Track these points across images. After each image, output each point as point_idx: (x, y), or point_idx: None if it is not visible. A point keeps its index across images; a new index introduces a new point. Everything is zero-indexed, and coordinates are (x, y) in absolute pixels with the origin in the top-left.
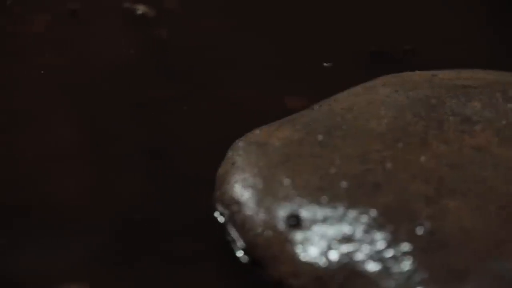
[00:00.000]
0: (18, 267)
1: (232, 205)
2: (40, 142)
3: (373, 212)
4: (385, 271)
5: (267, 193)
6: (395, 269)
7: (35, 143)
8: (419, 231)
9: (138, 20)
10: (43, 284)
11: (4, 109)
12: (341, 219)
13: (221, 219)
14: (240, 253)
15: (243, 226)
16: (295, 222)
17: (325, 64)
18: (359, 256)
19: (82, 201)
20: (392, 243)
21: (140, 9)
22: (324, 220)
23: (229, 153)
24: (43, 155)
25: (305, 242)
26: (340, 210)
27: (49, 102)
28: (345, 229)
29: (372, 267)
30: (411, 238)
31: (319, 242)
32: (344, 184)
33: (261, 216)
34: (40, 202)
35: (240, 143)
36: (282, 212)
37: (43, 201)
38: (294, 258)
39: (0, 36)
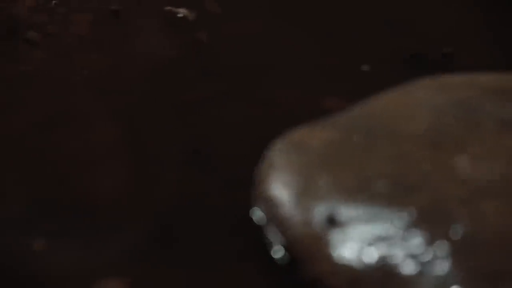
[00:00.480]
0: (59, 264)
1: (270, 205)
2: (81, 141)
3: (410, 213)
4: (421, 272)
5: (305, 193)
6: (431, 270)
7: (76, 142)
8: (455, 232)
9: (178, 22)
10: (84, 279)
11: (47, 109)
12: (378, 220)
13: (259, 218)
14: (277, 253)
15: (281, 226)
16: (333, 222)
17: (363, 66)
18: (395, 257)
19: (121, 200)
20: (428, 244)
21: (181, 11)
22: (361, 221)
23: (268, 153)
24: (84, 154)
25: (342, 242)
26: (377, 210)
27: (89, 102)
28: (382, 229)
29: (408, 268)
30: (447, 239)
31: (356, 242)
32: (381, 184)
33: (299, 216)
34: (80, 201)
35: (278, 143)
36: (320, 212)
37: (83, 199)
38: (331, 258)
39: (44, 36)
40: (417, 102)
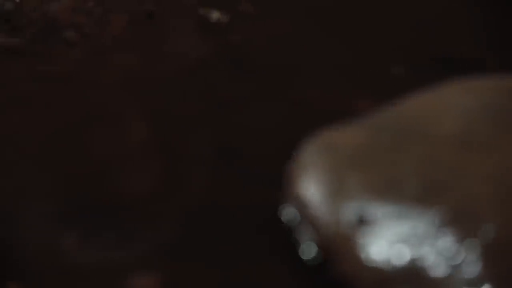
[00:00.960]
0: (91, 259)
1: (301, 204)
2: (114, 140)
3: (440, 214)
4: (451, 273)
5: (336, 193)
6: (461, 272)
7: (109, 141)
8: (486, 233)
9: (211, 23)
10: (116, 275)
11: (82, 108)
12: (407, 220)
13: (288, 217)
14: (306, 252)
15: (311, 225)
16: (363, 222)
17: (393, 68)
18: (425, 258)
19: (153, 197)
20: (459, 245)
21: (215, 12)
22: (391, 221)
23: (299, 153)
24: (116, 153)
25: (372, 242)
26: (407, 211)
27: (123, 101)
28: (412, 230)
29: (438, 269)
30: (478, 240)
31: (386, 242)
32: (411, 185)
33: (329, 215)
34: (112, 198)
35: (309, 143)
36: (350, 212)
37: (115, 197)
38: (360, 258)
39: (80, 36)
40: (447, 104)
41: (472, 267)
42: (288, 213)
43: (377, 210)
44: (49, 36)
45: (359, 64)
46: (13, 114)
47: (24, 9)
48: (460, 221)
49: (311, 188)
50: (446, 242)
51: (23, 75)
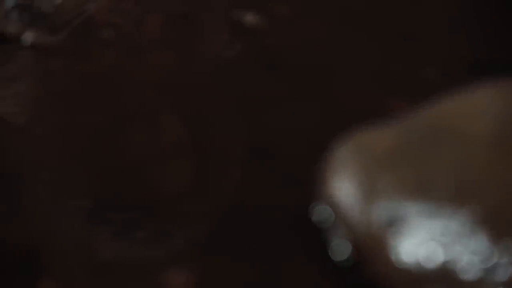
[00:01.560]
0: (126, 255)
1: (332, 204)
2: (149, 138)
3: (473, 216)
4: (485, 276)
5: (368, 194)
6: (495, 274)
7: (144, 139)
8: None
9: (246, 24)
10: (150, 270)
11: (118, 106)
12: (440, 221)
13: (319, 218)
14: (337, 252)
15: (342, 226)
16: (395, 223)
17: (427, 70)
18: (458, 260)
19: (186, 196)
20: (493, 247)
21: (249, 13)
22: (424, 223)
23: (330, 153)
24: (151, 150)
25: (404, 243)
26: (440, 212)
27: (158, 100)
28: (445, 231)
29: (471, 271)
30: None
31: (418, 244)
32: (444, 186)
33: (361, 216)
34: (146, 195)
35: (341, 143)
36: (382, 212)
37: (149, 194)
38: (392, 259)
39: (117, 36)
40: (479, 106)
41: (506, 269)
42: (319, 213)
43: (410, 211)
44: (86, 36)
45: (393, 67)
46: (50, 112)
47: (62, 8)
48: (494, 221)
49: (343, 188)
50: (480, 242)
51: (61, 74)
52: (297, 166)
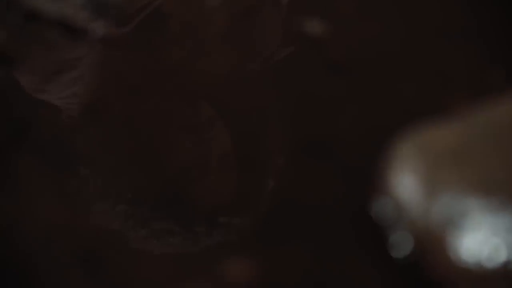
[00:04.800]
0: (186, 247)
1: (392, 200)
2: (194, 148)
3: None
4: None
5: (429, 190)
6: None
7: (189, 148)
8: None
9: (306, 20)
10: (212, 260)
11: (178, 99)
12: (504, 219)
13: (378, 213)
14: (395, 248)
15: (401, 222)
16: (456, 220)
17: (489, 67)
18: None
19: (238, 187)
20: None
21: (311, 13)
22: (486, 219)
23: (391, 149)
24: (194, 160)
25: (465, 241)
26: (504, 210)
27: (218, 94)
28: (509, 229)
29: None
30: None
31: (481, 241)
32: (508, 183)
33: (421, 212)
34: (195, 196)
35: (403, 139)
36: (444, 209)
37: (198, 195)
38: (451, 257)
39: (183, 30)
40: None
41: None
42: (379, 208)
43: (472, 207)
44: (153, 28)
45: (453, 64)
46: (108, 108)
47: (129, 1)
48: None
49: (405, 184)
50: None
51: (126, 67)
52: (356, 162)
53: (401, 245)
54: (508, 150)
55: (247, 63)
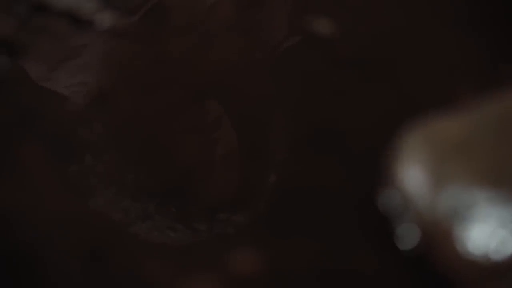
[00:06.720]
0: (194, 238)
1: (399, 191)
2: (200, 144)
3: None
4: None
5: (436, 181)
6: None
7: (195, 144)
8: None
9: (314, 14)
10: (219, 251)
11: (188, 89)
12: (510, 210)
13: (385, 203)
14: (402, 239)
15: (408, 213)
16: (463, 211)
17: (497, 61)
18: None
19: (245, 177)
20: None
21: (318, 17)
22: (493, 210)
23: (399, 140)
24: (200, 157)
25: (472, 233)
26: (510, 199)
27: (228, 82)
28: None
29: None
30: None
31: (488, 232)
32: None
33: (428, 203)
34: (199, 190)
35: (410, 130)
36: (451, 200)
37: (202, 190)
38: (458, 249)
39: (188, 20)
40: None
41: None
42: (385, 200)
43: (479, 198)
44: (158, 19)
45: (464, 57)
46: (115, 99)
47: None
48: None
49: (412, 175)
50: None
51: (132, 57)
52: (363, 154)
53: (408, 236)
54: None
55: (253, 52)
